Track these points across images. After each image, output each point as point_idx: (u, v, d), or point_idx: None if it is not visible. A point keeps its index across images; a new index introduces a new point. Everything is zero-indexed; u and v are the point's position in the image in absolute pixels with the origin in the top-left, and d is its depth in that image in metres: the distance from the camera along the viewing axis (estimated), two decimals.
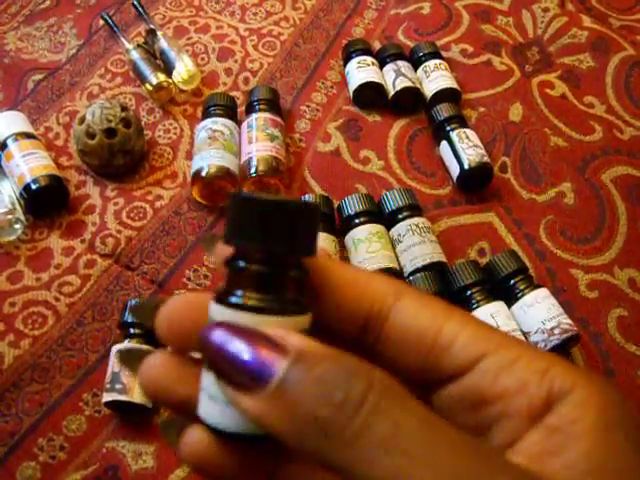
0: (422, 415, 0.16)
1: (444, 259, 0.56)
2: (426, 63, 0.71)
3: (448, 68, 0.71)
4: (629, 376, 0.53)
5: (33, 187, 0.59)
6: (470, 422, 0.18)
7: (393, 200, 0.59)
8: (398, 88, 0.68)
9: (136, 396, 0.48)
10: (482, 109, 0.71)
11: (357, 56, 0.71)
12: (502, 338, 0.18)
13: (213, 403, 0.18)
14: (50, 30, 0.79)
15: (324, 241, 0.56)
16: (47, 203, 0.61)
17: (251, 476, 0.19)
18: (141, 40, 0.76)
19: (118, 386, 0.48)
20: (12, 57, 0.76)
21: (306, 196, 0.62)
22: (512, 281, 0.54)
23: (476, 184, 0.63)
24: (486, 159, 0.62)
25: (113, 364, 0.49)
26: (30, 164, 0.60)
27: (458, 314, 0.19)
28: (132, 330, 0.51)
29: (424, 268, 0.55)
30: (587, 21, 0.80)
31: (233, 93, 0.71)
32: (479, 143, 0.63)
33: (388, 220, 0.59)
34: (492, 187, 0.64)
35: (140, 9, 0.78)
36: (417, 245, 0.56)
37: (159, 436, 0.49)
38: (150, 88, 0.69)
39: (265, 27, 0.79)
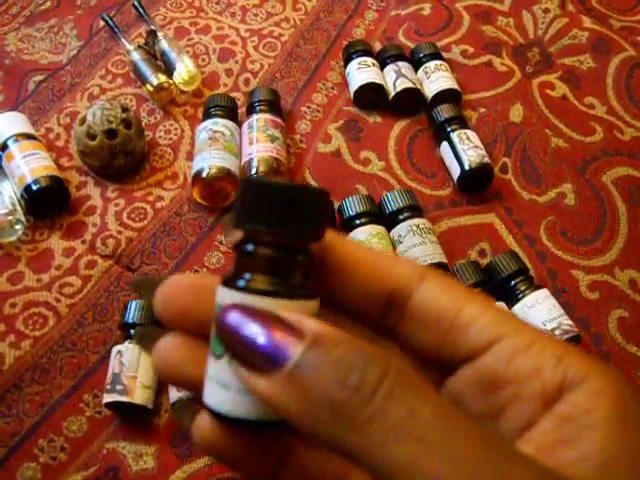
0: (436, 403, 0.15)
1: (445, 260, 0.56)
2: (427, 64, 0.71)
3: (449, 69, 0.71)
4: (630, 377, 0.53)
5: (34, 188, 0.59)
6: (483, 407, 0.18)
7: (394, 201, 0.59)
8: (399, 89, 0.68)
9: (137, 397, 0.48)
10: (483, 110, 0.71)
11: (358, 57, 0.71)
12: (520, 323, 0.19)
13: (219, 389, 0.18)
14: (51, 31, 0.79)
15: None
16: (48, 204, 0.61)
17: (259, 460, 0.19)
18: (142, 41, 0.76)
19: (119, 387, 0.48)
20: (13, 58, 0.76)
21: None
22: (513, 282, 0.54)
23: (477, 185, 0.63)
24: (487, 160, 0.62)
25: (114, 365, 0.49)
26: (31, 165, 0.60)
27: (480, 298, 0.19)
28: (132, 331, 0.51)
29: None
30: (588, 22, 0.80)
31: (234, 94, 0.71)
32: (480, 144, 0.63)
33: (389, 221, 0.59)
34: (493, 188, 0.64)
35: (141, 10, 0.78)
36: (418, 246, 0.56)
37: (159, 437, 0.49)
38: (151, 89, 0.69)
39: (266, 28, 0.79)
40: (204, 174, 0.60)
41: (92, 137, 0.61)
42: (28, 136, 0.63)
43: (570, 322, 0.52)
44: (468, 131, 0.64)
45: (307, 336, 0.16)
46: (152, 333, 0.22)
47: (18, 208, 0.60)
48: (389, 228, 0.58)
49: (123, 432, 0.49)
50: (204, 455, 0.48)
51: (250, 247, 0.18)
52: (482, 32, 0.78)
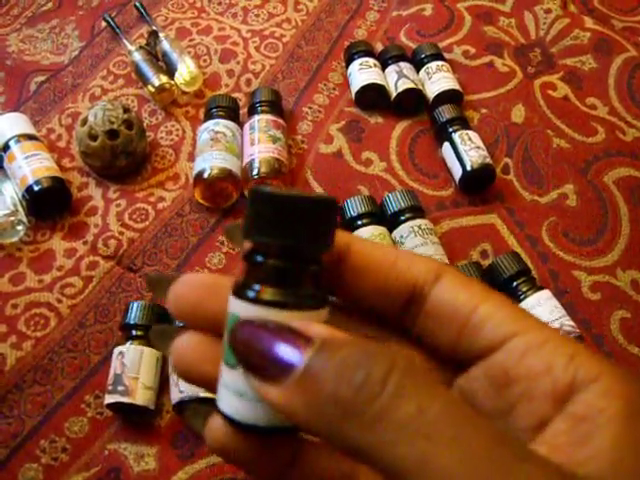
0: (445, 399, 0.15)
1: (446, 261, 0.56)
2: (428, 65, 0.71)
3: (450, 69, 0.71)
4: None
5: (35, 189, 0.59)
6: (493, 404, 0.18)
7: (395, 202, 0.58)
8: (400, 90, 0.68)
9: (138, 398, 0.48)
10: (484, 110, 0.71)
11: (359, 57, 0.71)
12: (534, 321, 0.19)
13: (233, 396, 0.18)
14: (52, 32, 0.79)
15: None
16: (49, 205, 0.61)
17: (270, 462, 0.20)
18: (143, 42, 0.76)
19: (120, 388, 0.48)
20: (14, 59, 0.76)
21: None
22: (514, 283, 0.54)
23: (478, 185, 0.63)
24: (488, 160, 0.62)
25: (115, 366, 0.49)
26: (32, 166, 0.60)
27: (496, 296, 0.19)
28: (134, 332, 0.51)
29: None
30: (589, 22, 0.80)
31: (235, 95, 0.71)
32: (481, 144, 0.63)
33: (390, 222, 0.59)
34: (494, 189, 0.64)
35: (142, 11, 0.78)
36: (419, 247, 0.56)
37: (161, 438, 0.49)
38: (152, 90, 0.69)
39: (267, 29, 0.79)
40: (206, 175, 0.60)
41: (94, 138, 0.61)
42: (30, 137, 0.63)
43: (572, 323, 0.52)
44: (470, 132, 0.64)
45: (315, 342, 0.16)
46: (167, 332, 0.22)
47: (20, 209, 0.60)
48: (391, 229, 0.58)
49: (125, 433, 0.49)
50: (208, 456, 0.48)
51: (259, 258, 0.19)
52: (484, 33, 0.78)
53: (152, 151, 0.66)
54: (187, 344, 0.20)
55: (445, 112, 0.66)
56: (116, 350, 0.50)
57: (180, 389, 0.48)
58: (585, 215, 0.63)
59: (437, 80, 0.69)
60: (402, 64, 0.71)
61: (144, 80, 0.70)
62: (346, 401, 0.15)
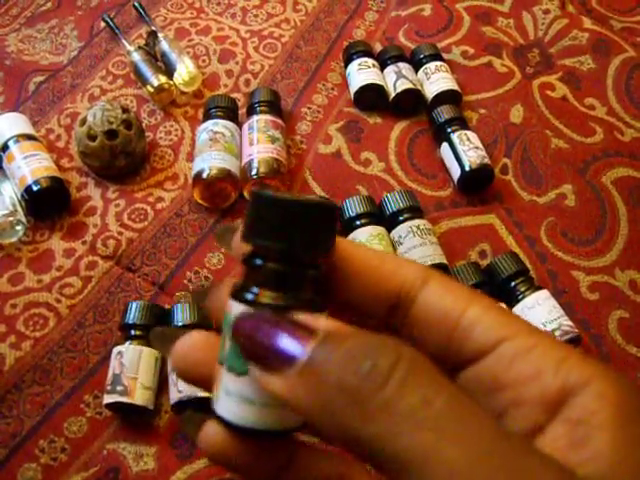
0: (451, 392, 0.15)
1: (445, 261, 0.56)
2: (427, 65, 0.71)
3: (449, 70, 0.71)
4: (630, 378, 0.53)
5: (34, 189, 0.59)
6: (485, 408, 0.18)
7: (394, 202, 0.59)
8: (399, 90, 0.68)
9: (137, 398, 0.48)
10: (483, 111, 0.71)
11: (358, 58, 0.71)
12: (523, 325, 0.18)
13: (231, 399, 0.18)
14: (51, 32, 0.79)
15: None
16: (48, 205, 0.61)
17: (265, 467, 0.20)
18: (142, 42, 0.76)
19: (119, 388, 0.48)
20: (13, 59, 0.76)
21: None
22: (513, 283, 0.54)
23: (477, 186, 0.63)
24: (487, 161, 0.62)
25: (114, 366, 0.49)
26: (31, 166, 0.60)
27: (483, 299, 0.19)
28: (133, 332, 0.51)
29: None
30: (588, 23, 0.80)
31: (234, 95, 0.71)
32: (480, 145, 0.63)
33: (389, 222, 0.59)
34: (493, 189, 0.64)
35: (141, 11, 0.78)
36: (418, 247, 0.56)
37: (160, 438, 0.49)
38: (151, 90, 0.69)
39: (266, 29, 0.79)
40: (204, 175, 0.60)
41: (92, 138, 0.61)
42: (29, 137, 0.63)
43: (570, 323, 0.52)
44: (468, 132, 0.64)
45: (319, 333, 0.16)
46: (167, 334, 0.22)
47: (19, 209, 0.60)
48: (389, 229, 0.58)
49: (123, 433, 0.49)
50: (207, 459, 0.48)
51: (259, 261, 0.19)
52: (482, 33, 0.79)
53: (151, 151, 0.66)
54: (188, 346, 0.21)
55: (444, 112, 0.66)
56: (115, 350, 0.50)
57: (179, 389, 0.48)
58: (583, 215, 0.63)
59: (436, 80, 0.70)
60: (401, 64, 0.71)
61: (143, 80, 0.70)
62: (351, 390, 0.15)
